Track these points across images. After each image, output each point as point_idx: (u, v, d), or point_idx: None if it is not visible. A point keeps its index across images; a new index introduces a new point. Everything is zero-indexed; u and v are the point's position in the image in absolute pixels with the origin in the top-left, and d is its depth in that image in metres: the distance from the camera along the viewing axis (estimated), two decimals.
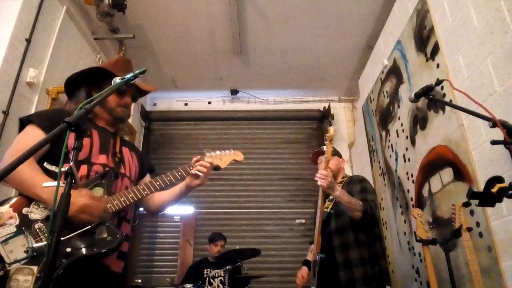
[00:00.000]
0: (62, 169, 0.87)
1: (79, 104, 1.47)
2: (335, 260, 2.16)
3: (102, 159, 1.41)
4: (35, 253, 1.14)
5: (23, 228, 1.19)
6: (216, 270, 3.57)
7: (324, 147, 2.64)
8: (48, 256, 0.81)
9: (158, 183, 1.45)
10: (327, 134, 2.11)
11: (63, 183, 0.88)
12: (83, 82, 1.53)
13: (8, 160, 1.26)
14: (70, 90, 1.56)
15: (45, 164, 1.29)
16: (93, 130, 1.46)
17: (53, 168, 1.27)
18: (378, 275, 2.15)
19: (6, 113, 2.48)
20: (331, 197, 2.25)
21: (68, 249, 1.16)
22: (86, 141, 1.35)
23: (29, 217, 1.21)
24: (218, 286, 3.53)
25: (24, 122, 1.37)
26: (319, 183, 2.04)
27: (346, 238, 2.19)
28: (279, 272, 4.26)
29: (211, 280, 3.58)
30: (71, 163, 0.88)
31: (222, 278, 3.52)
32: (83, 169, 1.34)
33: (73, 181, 0.89)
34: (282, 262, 4.34)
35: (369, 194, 2.28)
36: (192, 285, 3.18)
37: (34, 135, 1.31)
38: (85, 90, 1.51)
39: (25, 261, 1.13)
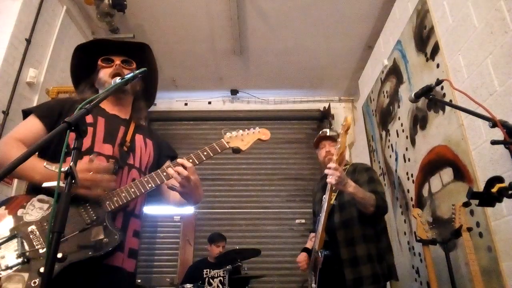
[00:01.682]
0: (62, 169, 0.86)
1: (83, 92, 1.44)
2: (339, 256, 1.99)
3: (107, 149, 1.32)
4: (26, 259, 1.07)
5: (17, 231, 1.12)
6: (216, 270, 3.57)
7: (328, 130, 2.38)
8: (48, 257, 0.79)
9: (164, 173, 1.29)
10: (343, 123, 1.85)
11: (63, 183, 0.87)
12: (83, 74, 1.51)
13: (1, 146, 1.26)
14: (76, 86, 1.53)
15: (45, 164, 1.27)
16: (100, 117, 1.37)
17: (53, 168, 1.25)
18: (387, 272, 2.00)
19: (6, 113, 2.48)
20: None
21: (60, 254, 1.06)
22: (88, 130, 1.24)
23: (24, 219, 1.15)
24: (218, 286, 3.53)
25: (26, 113, 1.37)
26: (328, 180, 1.83)
27: (352, 233, 2.02)
28: (279, 272, 4.26)
29: (211, 280, 3.58)
30: (71, 163, 0.88)
31: (221, 278, 3.52)
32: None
33: (73, 181, 0.87)
34: (282, 262, 4.34)
35: (378, 184, 2.09)
36: (192, 285, 3.18)
37: (31, 125, 1.32)
38: (88, 84, 1.49)
39: (17, 267, 1.06)
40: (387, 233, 2.12)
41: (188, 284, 3.19)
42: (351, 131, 4.94)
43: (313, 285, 2.05)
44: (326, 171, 1.84)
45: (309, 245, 2.33)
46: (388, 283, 2.12)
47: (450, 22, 2.30)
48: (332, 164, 1.82)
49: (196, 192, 1.35)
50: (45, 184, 1.11)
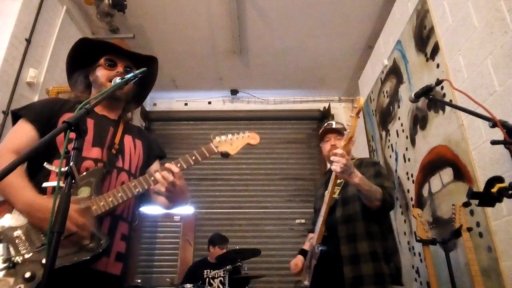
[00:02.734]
0: (62, 169, 0.86)
1: (77, 88, 1.44)
2: (339, 253, 1.87)
3: (95, 152, 1.32)
4: (12, 264, 1.07)
5: (2, 236, 1.11)
6: (216, 271, 3.57)
7: (333, 122, 2.22)
8: (48, 257, 0.79)
9: (152, 178, 1.29)
10: (355, 105, 1.67)
11: (63, 183, 0.87)
12: (80, 64, 1.49)
13: None
14: (70, 75, 1.52)
15: (45, 164, 1.27)
16: (89, 119, 1.36)
17: (53, 168, 1.23)
18: (395, 272, 1.85)
19: (6, 113, 2.48)
20: (338, 181, 1.91)
21: (44, 260, 1.06)
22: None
23: (10, 224, 1.14)
24: (218, 286, 3.53)
25: (15, 115, 1.35)
26: (333, 167, 1.70)
27: (355, 229, 1.89)
28: (279, 272, 4.26)
29: (211, 281, 3.58)
30: (71, 163, 0.88)
31: (222, 279, 3.52)
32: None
33: (73, 181, 0.87)
34: (282, 262, 4.33)
35: (386, 180, 1.94)
36: (192, 285, 3.18)
37: (23, 132, 1.29)
38: (83, 74, 1.48)
39: (2, 272, 1.06)
40: (393, 232, 2.04)
41: (188, 284, 3.20)
42: None
43: (306, 282, 1.97)
44: (332, 157, 1.70)
45: (306, 246, 2.24)
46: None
47: (450, 22, 2.30)
48: (338, 150, 1.67)
49: (181, 197, 1.36)
50: (45, 184, 1.11)
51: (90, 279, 1.21)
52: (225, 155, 1.39)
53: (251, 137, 1.44)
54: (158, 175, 1.27)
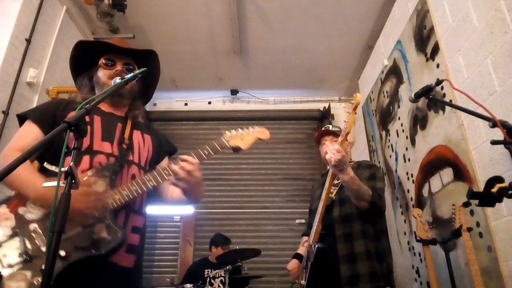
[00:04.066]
0: (62, 169, 0.86)
1: (82, 91, 1.45)
2: (335, 252, 1.90)
3: (106, 147, 1.33)
4: (28, 258, 1.08)
5: (18, 230, 1.12)
6: (217, 270, 3.57)
7: (330, 126, 2.30)
8: (48, 258, 0.79)
9: (166, 171, 1.29)
10: (352, 101, 1.76)
11: (63, 183, 0.87)
12: (83, 67, 1.50)
13: (1, 160, 1.23)
14: (75, 79, 1.53)
15: (45, 164, 1.27)
16: (96, 116, 1.38)
17: (53, 168, 1.24)
18: (387, 273, 1.89)
19: (6, 113, 2.48)
20: (335, 181, 1.97)
21: (63, 253, 1.07)
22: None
23: (25, 217, 1.15)
24: (219, 286, 3.53)
25: (22, 118, 1.37)
26: (327, 157, 1.75)
27: (351, 228, 1.92)
28: (279, 272, 4.25)
29: (212, 281, 3.58)
30: (71, 163, 0.88)
31: (222, 278, 3.52)
32: (85, 160, 1.26)
33: (73, 181, 0.87)
34: (282, 262, 4.30)
35: (379, 181, 1.99)
36: (192, 285, 3.18)
37: (28, 131, 1.31)
38: (87, 77, 1.49)
39: (19, 266, 1.07)
40: (387, 235, 2.06)
41: (188, 284, 3.19)
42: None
43: (302, 281, 1.98)
44: (326, 149, 1.76)
45: (300, 250, 2.24)
46: None
47: (450, 22, 2.31)
48: (336, 146, 1.74)
49: (198, 189, 1.37)
50: (45, 184, 1.11)
51: (103, 270, 1.22)
52: (237, 149, 1.39)
53: (261, 132, 1.45)
54: (175, 166, 1.28)
